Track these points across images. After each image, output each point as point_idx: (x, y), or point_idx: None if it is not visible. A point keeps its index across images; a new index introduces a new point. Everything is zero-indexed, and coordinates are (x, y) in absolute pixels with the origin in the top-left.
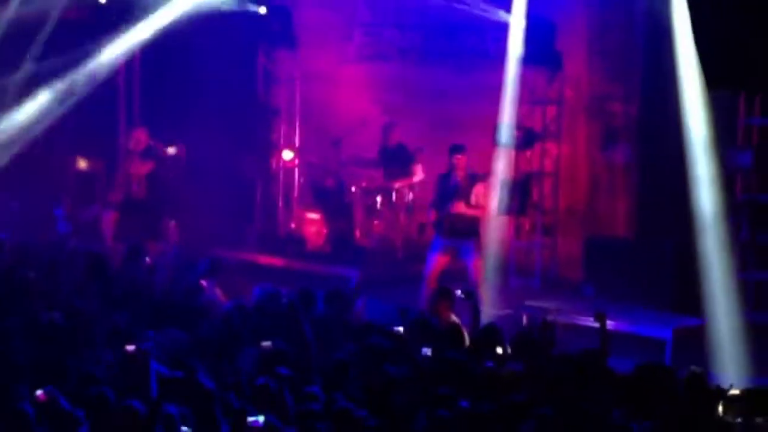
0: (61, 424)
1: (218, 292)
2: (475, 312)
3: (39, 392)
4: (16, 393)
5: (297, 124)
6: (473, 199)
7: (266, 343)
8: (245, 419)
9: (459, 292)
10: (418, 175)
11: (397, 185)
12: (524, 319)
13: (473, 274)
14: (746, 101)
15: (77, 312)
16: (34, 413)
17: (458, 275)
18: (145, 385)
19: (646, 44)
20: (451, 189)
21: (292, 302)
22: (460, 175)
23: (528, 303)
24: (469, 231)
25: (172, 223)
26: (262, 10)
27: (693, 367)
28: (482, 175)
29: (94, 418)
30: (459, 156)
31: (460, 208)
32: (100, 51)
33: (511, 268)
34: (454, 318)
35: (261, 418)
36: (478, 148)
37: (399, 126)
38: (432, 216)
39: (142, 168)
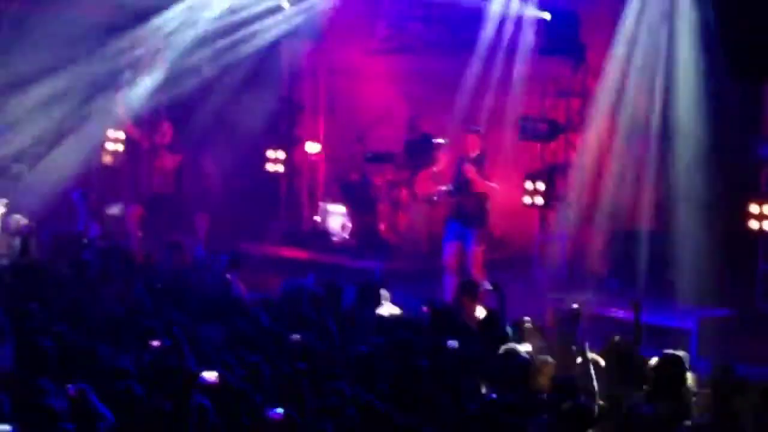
0: (89, 421)
1: (241, 286)
2: (502, 305)
3: (69, 388)
4: (43, 387)
5: (321, 117)
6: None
7: (295, 337)
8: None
9: (486, 283)
10: (441, 163)
11: (420, 176)
12: (548, 312)
13: (471, 263)
14: None
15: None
16: (63, 408)
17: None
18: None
19: (668, 36)
20: (459, 165)
21: (316, 296)
22: (470, 152)
23: (552, 295)
24: (474, 218)
25: (203, 216)
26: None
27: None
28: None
29: (122, 414)
30: (470, 135)
31: (470, 171)
32: None
33: (536, 260)
34: (479, 310)
35: (280, 410)
36: (502, 140)
37: (424, 118)
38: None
39: (169, 162)
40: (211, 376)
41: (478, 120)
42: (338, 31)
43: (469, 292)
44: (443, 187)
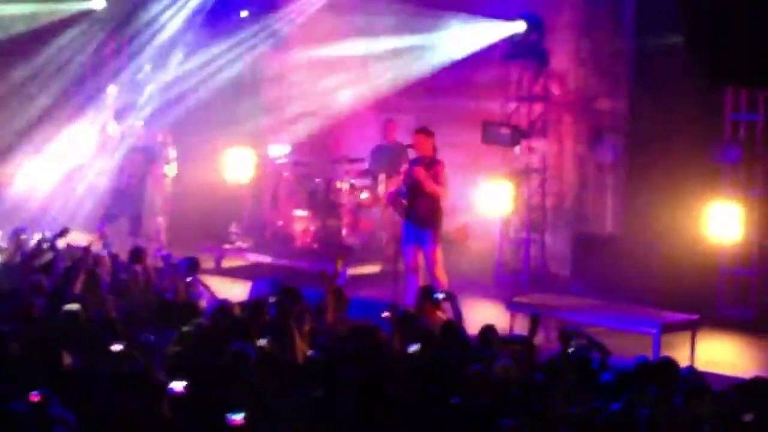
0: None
1: (205, 290)
2: (457, 312)
3: (33, 394)
4: (8, 392)
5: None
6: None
7: (261, 342)
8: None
9: (438, 294)
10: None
11: (388, 181)
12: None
13: (431, 264)
14: (733, 96)
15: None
16: (26, 414)
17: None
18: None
19: (634, 41)
20: (411, 165)
21: (280, 300)
22: (421, 153)
23: (516, 299)
24: (427, 219)
25: (160, 221)
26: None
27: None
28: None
29: (85, 419)
30: (418, 135)
31: (420, 173)
32: None
33: (499, 265)
34: (441, 316)
35: (240, 415)
36: (466, 145)
37: (396, 123)
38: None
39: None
40: (178, 386)
41: (439, 123)
42: (304, 34)
43: (431, 297)
44: (438, 295)
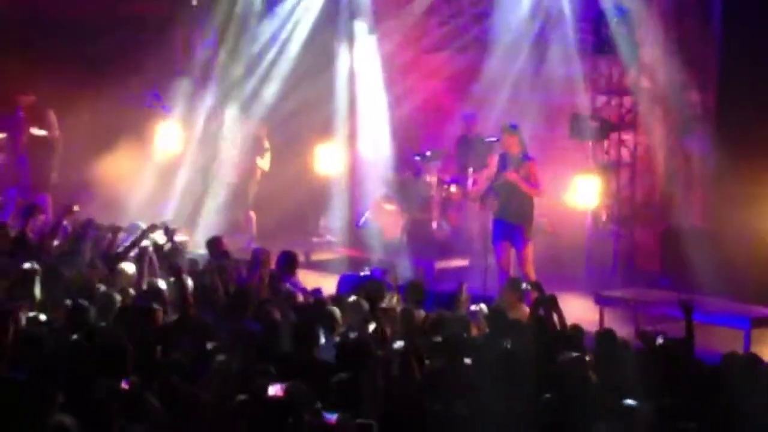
0: (142, 415)
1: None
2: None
3: (123, 383)
4: (98, 383)
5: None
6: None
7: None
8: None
9: (525, 284)
10: (493, 163)
11: (474, 175)
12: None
13: (521, 261)
14: None
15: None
16: (116, 404)
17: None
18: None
19: (723, 31)
20: (503, 165)
21: (368, 293)
22: (510, 151)
23: (605, 293)
24: (519, 216)
25: (251, 214)
26: None
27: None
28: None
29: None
30: (506, 135)
31: (512, 176)
32: None
33: (588, 258)
34: (525, 309)
35: (335, 416)
36: (554, 139)
37: (479, 116)
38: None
39: None
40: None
41: (527, 118)
42: (391, 27)
43: (516, 289)
44: (525, 285)
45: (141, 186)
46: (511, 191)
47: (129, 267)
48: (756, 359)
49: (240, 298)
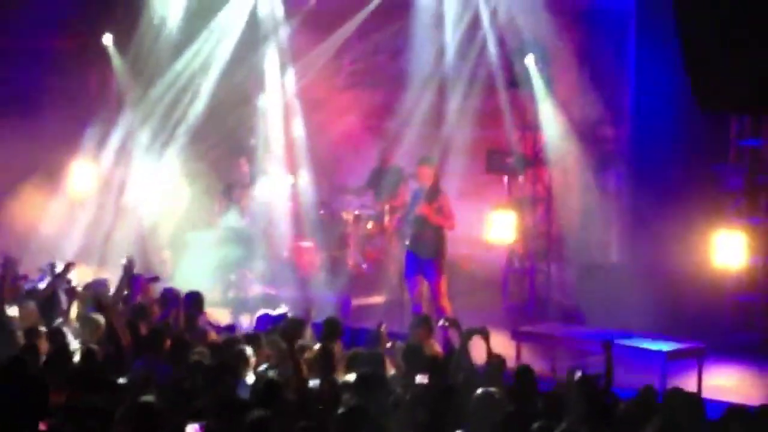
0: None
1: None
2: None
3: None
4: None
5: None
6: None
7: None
8: None
9: (442, 321)
10: (403, 195)
11: (388, 209)
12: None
13: (435, 295)
14: (738, 122)
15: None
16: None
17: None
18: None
19: (636, 67)
20: (416, 198)
21: (285, 331)
22: (425, 185)
23: (522, 329)
24: (431, 249)
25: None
26: None
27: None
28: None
29: None
30: (421, 167)
31: (424, 209)
32: None
33: (505, 294)
34: (435, 345)
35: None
36: (470, 174)
37: (393, 152)
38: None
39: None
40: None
41: (440, 152)
42: (305, 65)
43: (426, 325)
44: (442, 322)
45: (50, 224)
46: (423, 225)
47: (31, 305)
48: (674, 392)
49: (155, 336)
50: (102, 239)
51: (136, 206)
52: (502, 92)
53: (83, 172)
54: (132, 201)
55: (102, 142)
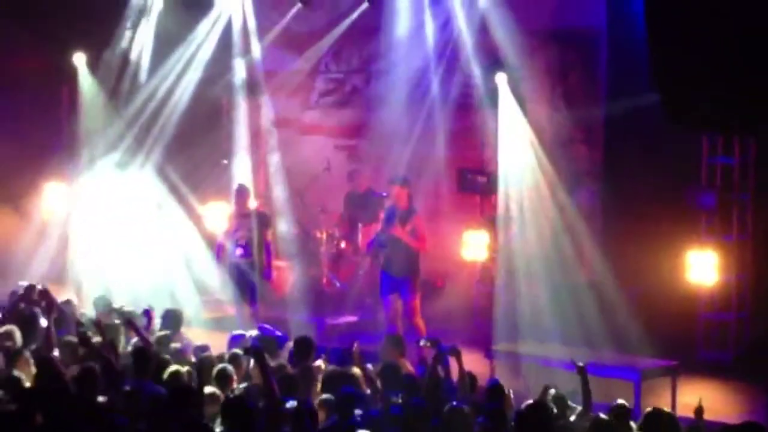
0: None
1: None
2: (443, 360)
3: None
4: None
5: (261, 171)
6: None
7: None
8: None
9: (423, 341)
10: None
11: (364, 230)
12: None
13: (409, 314)
14: (709, 141)
15: None
16: None
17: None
18: None
19: (608, 87)
20: (390, 219)
21: (255, 351)
22: (398, 205)
23: (495, 347)
24: (405, 268)
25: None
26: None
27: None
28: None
29: None
30: (393, 186)
31: (397, 231)
32: None
33: (476, 312)
34: (407, 364)
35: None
36: (443, 194)
37: (364, 172)
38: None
39: None
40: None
41: (415, 173)
42: (278, 85)
43: (398, 345)
44: (423, 342)
45: (21, 246)
46: (397, 245)
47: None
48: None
49: (140, 356)
50: (66, 260)
51: (103, 226)
52: (474, 111)
53: (55, 193)
54: (99, 221)
55: (73, 162)
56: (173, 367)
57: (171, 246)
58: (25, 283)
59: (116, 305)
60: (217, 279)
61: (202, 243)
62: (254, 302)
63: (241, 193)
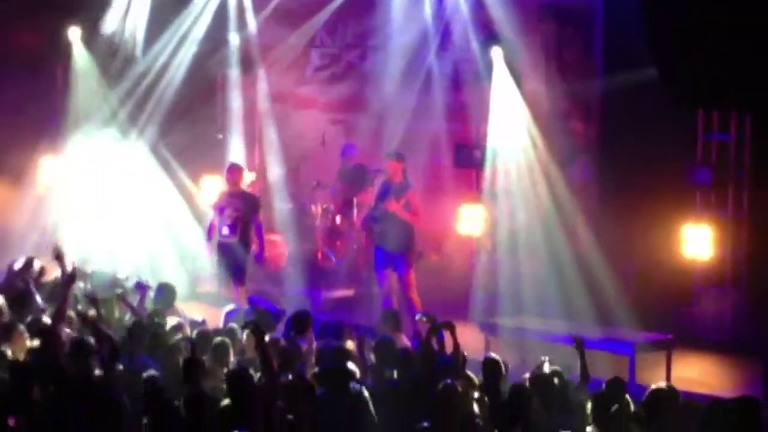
0: None
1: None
2: (437, 333)
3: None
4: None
5: (256, 145)
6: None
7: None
8: None
9: (419, 316)
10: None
11: (358, 204)
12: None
13: (405, 288)
14: (705, 117)
15: None
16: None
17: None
18: None
19: (604, 62)
20: (384, 193)
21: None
22: (393, 180)
23: (489, 321)
24: (400, 243)
25: None
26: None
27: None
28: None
29: None
30: (388, 161)
31: (391, 205)
32: None
33: (474, 286)
34: (403, 339)
35: None
36: (439, 168)
37: (358, 147)
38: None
39: None
40: None
41: (411, 148)
42: (273, 60)
43: (393, 319)
44: (419, 317)
45: (17, 219)
46: (391, 220)
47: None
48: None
49: (137, 329)
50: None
51: (101, 199)
52: (470, 86)
53: (50, 168)
54: (97, 195)
55: (69, 136)
56: (171, 340)
57: (162, 221)
58: (22, 259)
59: (120, 276)
60: (207, 256)
61: (193, 219)
62: (241, 282)
63: (233, 171)
